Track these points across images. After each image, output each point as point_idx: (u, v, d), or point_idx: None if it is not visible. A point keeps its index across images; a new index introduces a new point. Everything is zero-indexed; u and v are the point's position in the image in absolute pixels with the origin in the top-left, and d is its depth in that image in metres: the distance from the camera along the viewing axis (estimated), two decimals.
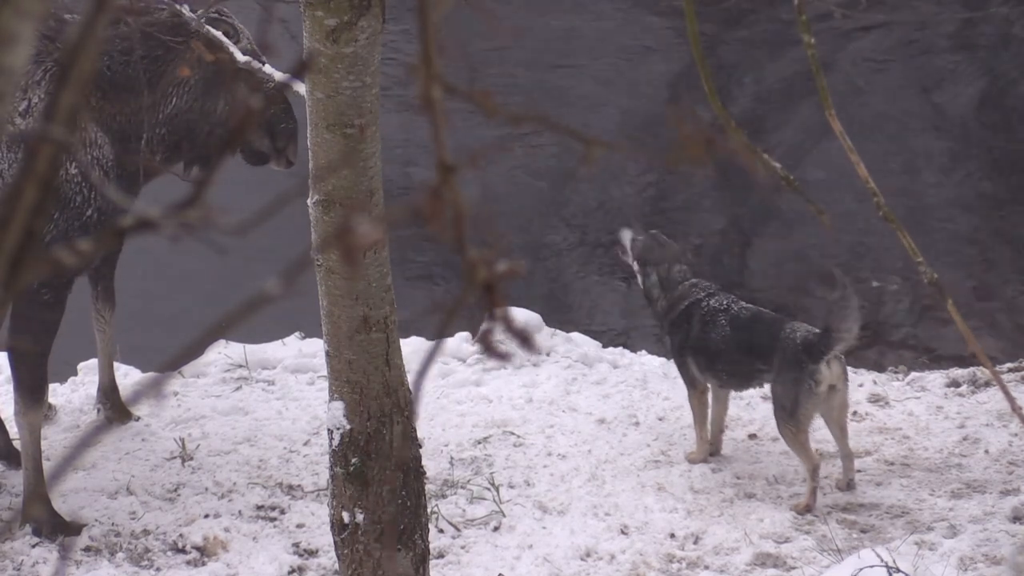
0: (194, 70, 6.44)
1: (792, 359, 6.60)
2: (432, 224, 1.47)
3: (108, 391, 7.18)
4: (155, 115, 6.52)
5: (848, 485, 6.81)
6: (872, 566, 5.53)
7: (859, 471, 6.92)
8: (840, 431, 6.77)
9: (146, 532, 6.51)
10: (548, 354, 7.82)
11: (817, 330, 6.60)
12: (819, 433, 7.15)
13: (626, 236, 7.22)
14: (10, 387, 6.71)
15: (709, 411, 7.02)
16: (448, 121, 1.50)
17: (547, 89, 10.15)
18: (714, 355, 6.87)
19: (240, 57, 5.96)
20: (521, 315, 7.89)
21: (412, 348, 7.53)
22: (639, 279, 7.17)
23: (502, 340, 1.56)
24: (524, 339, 1.53)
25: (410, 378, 5.15)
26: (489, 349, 1.53)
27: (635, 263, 7.14)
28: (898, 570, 5.52)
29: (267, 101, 6.58)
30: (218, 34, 6.07)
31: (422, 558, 5.03)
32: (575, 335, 7.98)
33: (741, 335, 6.81)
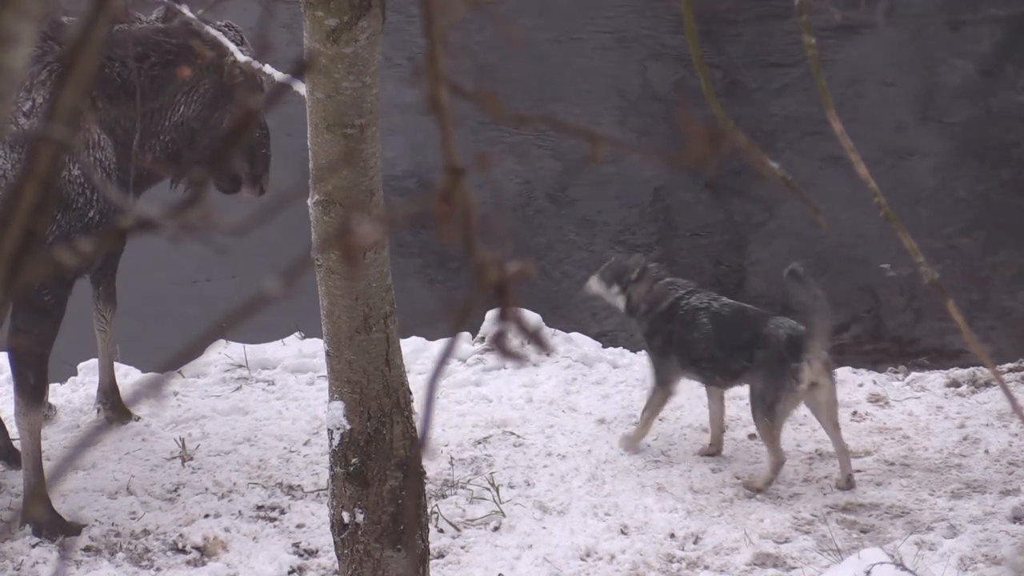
0: (201, 75, 6.45)
1: (775, 355, 6.64)
2: (441, 226, 1.47)
3: (108, 391, 7.19)
4: (161, 121, 6.52)
5: (848, 482, 6.81)
6: (882, 563, 5.52)
7: (859, 471, 6.91)
8: (832, 427, 6.79)
9: (146, 532, 6.51)
10: (548, 354, 7.82)
11: (802, 327, 6.65)
12: (819, 433, 7.15)
13: (592, 282, 7.26)
14: (10, 387, 6.72)
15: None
16: (457, 124, 1.49)
17: (552, 89, 10.15)
18: (698, 353, 6.90)
19: (240, 57, 5.97)
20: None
21: (412, 348, 7.54)
22: (620, 301, 7.17)
23: (515, 341, 1.55)
24: (537, 339, 1.52)
25: (411, 378, 5.15)
26: (503, 351, 1.52)
27: (615, 287, 7.15)
28: (904, 567, 5.52)
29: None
30: (217, 34, 6.07)
31: (422, 558, 5.03)
32: (575, 335, 7.98)
33: (724, 331, 6.83)
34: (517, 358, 1.59)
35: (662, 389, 7.01)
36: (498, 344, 1.52)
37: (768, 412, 6.65)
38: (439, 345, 7.74)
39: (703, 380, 6.99)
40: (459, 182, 1.46)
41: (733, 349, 6.79)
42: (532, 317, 7.91)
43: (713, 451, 7.04)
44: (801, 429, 7.15)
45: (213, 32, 6.05)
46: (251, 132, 1.52)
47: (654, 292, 7.06)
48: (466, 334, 7.82)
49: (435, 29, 1.48)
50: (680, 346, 6.93)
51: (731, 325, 6.83)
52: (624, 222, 9.29)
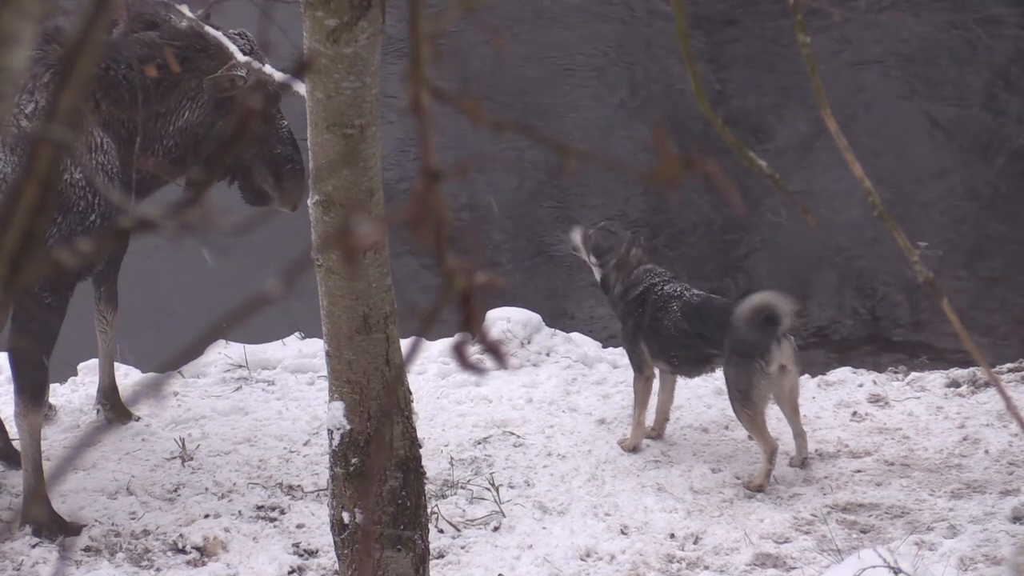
0: (207, 84, 6.44)
1: (743, 340, 6.68)
2: (414, 230, 1.46)
3: (108, 392, 7.19)
4: (166, 126, 6.51)
5: (803, 464, 6.91)
6: (874, 566, 5.52)
7: (859, 471, 6.92)
8: (792, 411, 6.88)
9: (146, 532, 6.51)
10: (548, 354, 7.82)
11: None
12: (819, 433, 7.15)
13: (576, 234, 7.29)
14: (10, 387, 6.72)
15: (651, 398, 7.08)
16: (438, 126, 1.49)
17: (542, 98, 10.15)
18: (666, 341, 6.94)
19: (240, 58, 5.97)
20: (522, 315, 7.90)
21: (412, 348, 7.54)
22: (596, 272, 7.24)
23: (476, 352, 1.54)
24: (496, 352, 1.51)
25: (411, 378, 5.15)
26: (462, 361, 1.52)
27: (591, 256, 7.21)
28: (899, 570, 5.52)
29: (275, 141, 6.63)
30: (217, 33, 6.08)
31: (422, 558, 5.03)
32: (575, 335, 7.98)
33: (692, 321, 6.88)
34: (477, 370, 1.58)
35: (640, 375, 7.06)
36: (458, 354, 1.52)
37: (745, 401, 6.71)
38: (439, 345, 7.74)
39: (671, 369, 7.05)
40: (434, 186, 1.46)
41: (703, 336, 6.84)
42: (533, 317, 7.92)
43: (655, 435, 7.10)
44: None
45: (216, 34, 6.06)
46: (248, 134, 1.52)
47: (632, 277, 7.11)
48: (466, 334, 7.80)
49: (420, 33, 1.48)
50: (650, 333, 6.97)
51: (701, 313, 6.89)
52: (627, 221, 9.29)
